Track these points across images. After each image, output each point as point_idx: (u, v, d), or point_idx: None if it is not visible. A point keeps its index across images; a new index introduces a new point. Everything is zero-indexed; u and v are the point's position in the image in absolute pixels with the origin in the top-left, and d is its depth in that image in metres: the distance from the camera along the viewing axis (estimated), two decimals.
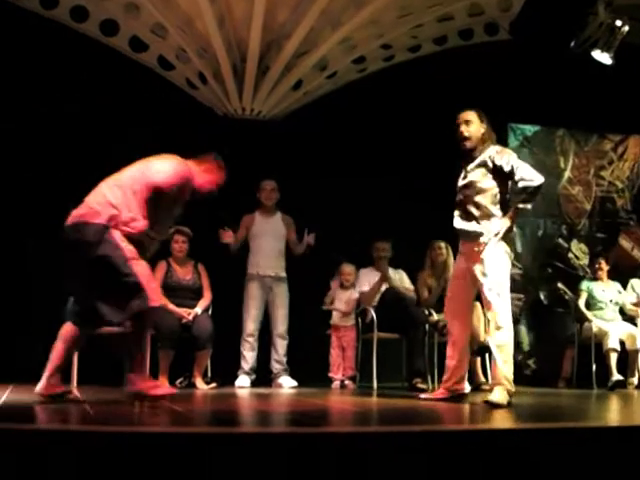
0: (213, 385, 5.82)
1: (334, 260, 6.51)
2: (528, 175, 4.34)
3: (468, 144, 4.51)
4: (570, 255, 7.84)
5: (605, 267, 7.20)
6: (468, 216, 4.45)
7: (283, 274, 6.32)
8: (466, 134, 4.51)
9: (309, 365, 6.39)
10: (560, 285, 7.70)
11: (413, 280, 6.64)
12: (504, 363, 4.25)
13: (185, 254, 6.06)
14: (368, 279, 6.51)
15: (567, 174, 7.93)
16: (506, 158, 4.41)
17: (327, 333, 6.47)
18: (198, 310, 5.85)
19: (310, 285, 6.40)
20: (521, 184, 4.33)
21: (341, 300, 6.43)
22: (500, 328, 4.26)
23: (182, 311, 5.78)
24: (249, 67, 6.89)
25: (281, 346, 6.23)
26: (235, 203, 6.19)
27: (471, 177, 4.47)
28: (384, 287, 6.46)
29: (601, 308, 7.02)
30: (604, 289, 7.10)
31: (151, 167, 4.02)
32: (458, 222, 4.53)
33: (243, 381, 6.07)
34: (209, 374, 6.00)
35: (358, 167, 6.99)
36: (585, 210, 7.95)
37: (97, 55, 6.76)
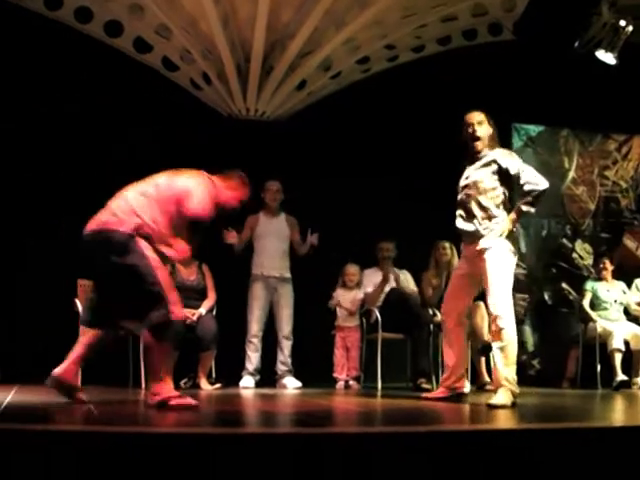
0: (217, 386, 5.82)
1: (335, 260, 6.49)
2: (533, 179, 4.38)
3: (480, 145, 4.53)
4: (574, 255, 7.83)
5: (609, 267, 7.19)
6: (469, 216, 4.46)
7: (288, 275, 6.32)
8: (479, 134, 4.53)
9: (313, 365, 6.40)
10: (564, 285, 7.69)
11: (417, 281, 6.64)
12: (505, 365, 4.23)
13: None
14: (372, 280, 6.51)
15: (571, 174, 7.91)
16: (513, 161, 4.44)
17: (331, 333, 6.47)
18: (202, 311, 5.86)
19: (314, 286, 6.39)
20: (526, 187, 4.36)
21: (346, 300, 6.44)
22: (502, 329, 4.25)
23: (186, 312, 5.78)
24: (253, 67, 6.90)
25: (287, 347, 6.24)
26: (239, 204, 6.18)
27: (475, 177, 4.48)
28: (388, 287, 6.46)
29: (605, 308, 7.00)
30: (609, 289, 7.09)
31: (184, 192, 3.85)
32: (460, 222, 4.54)
33: (247, 382, 6.08)
34: (213, 375, 6.00)
35: (363, 167, 6.99)
36: (589, 210, 7.94)
37: (101, 56, 6.77)
